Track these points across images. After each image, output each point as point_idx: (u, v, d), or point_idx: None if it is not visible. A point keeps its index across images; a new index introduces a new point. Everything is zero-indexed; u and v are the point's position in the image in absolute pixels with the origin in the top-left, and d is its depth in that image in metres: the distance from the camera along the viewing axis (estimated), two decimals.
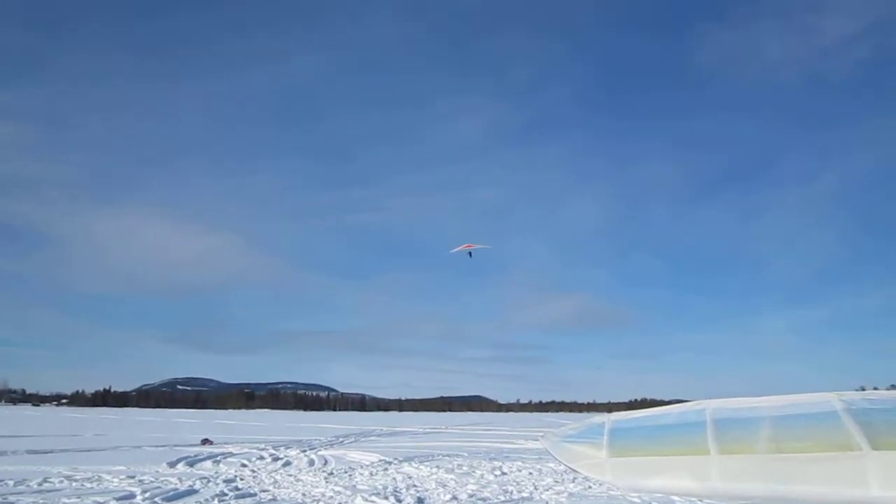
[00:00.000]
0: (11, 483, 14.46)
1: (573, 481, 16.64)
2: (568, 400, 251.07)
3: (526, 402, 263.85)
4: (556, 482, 16.41)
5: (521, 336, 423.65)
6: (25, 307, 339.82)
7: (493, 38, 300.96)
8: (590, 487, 15.43)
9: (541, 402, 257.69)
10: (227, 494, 13.46)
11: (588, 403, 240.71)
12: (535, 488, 15.20)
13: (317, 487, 14.84)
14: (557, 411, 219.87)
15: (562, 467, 20.03)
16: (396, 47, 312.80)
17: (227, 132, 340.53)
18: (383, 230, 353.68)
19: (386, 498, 13.21)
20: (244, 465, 19.72)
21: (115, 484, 14.77)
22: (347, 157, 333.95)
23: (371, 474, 17.88)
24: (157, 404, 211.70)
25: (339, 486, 15.21)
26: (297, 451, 25.83)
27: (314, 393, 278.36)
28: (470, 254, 35.55)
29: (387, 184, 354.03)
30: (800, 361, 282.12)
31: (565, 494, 14.25)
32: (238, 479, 16.29)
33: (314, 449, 27.11)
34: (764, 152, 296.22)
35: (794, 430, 6.11)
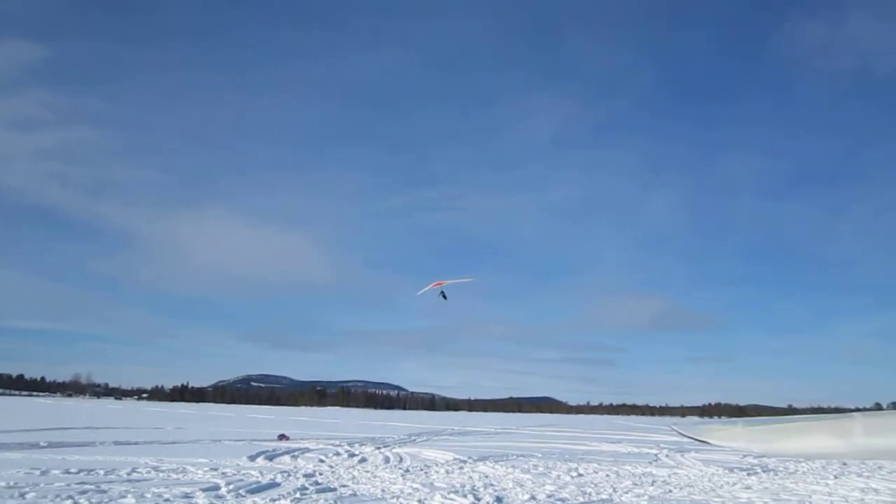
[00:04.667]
0: (102, 472, 14.98)
1: (652, 484, 16.34)
2: (640, 403, 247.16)
3: (596, 404, 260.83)
4: (636, 485, 16.13)
5: (592, 338, 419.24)
6: (110, 305, 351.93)
7: (566, 36, 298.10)
8: (670, 491, 15.13)
9: (611, 405, 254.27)
10: (308, 488, 13.66)
11: (661, 407, 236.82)
12: (615, 490, 14.95)
13: (395, 484, 14.92)
14: (629, 414, 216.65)
15: (639, 470, 19.76)
16: (471, 46, 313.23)
17: (302, 133, 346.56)
18: (456, 230, 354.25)
19: (465, 496, 13.18)
20: (321, 461, 19.98)
21: (199, 475, 15.15)
22: (421, 157, 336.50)
23: (447, 472, 17.90)
24: (232, 400, 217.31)
25: (417, 482, 15.27)
26: (372, 447, 26.06)
27: (384, 391, 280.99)
28: (443, 294, 29.48)
29: (460, 183, 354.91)
30: (888, 367, 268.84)
31: (646, 497, 13.98)
32: (317, 473, 16.51)
33: (388, 446, 27.30)
34: (852, 145, 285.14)
35: None
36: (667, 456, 26.18)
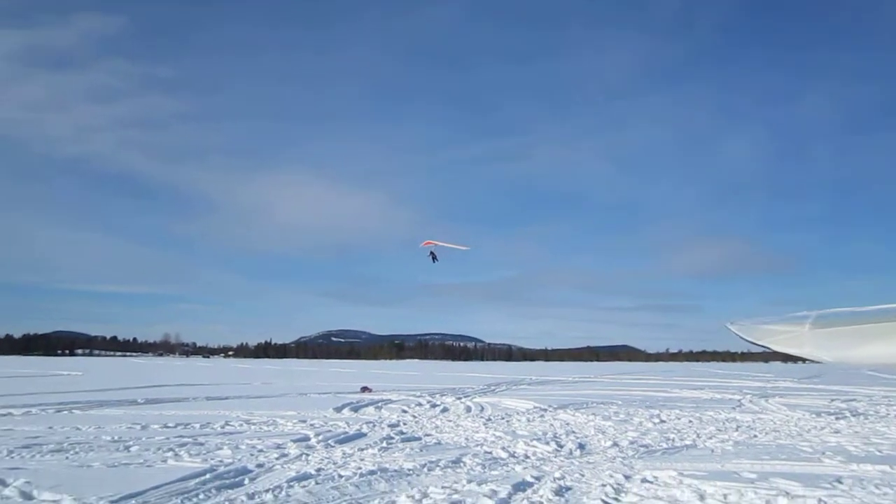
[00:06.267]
0: (198, 426, 15.67)
1: (737, 430, 16.18)
2: (720, 349, 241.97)
3: (675, 351, 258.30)
4: (720, 430, 16.00)
5: (669, 284, 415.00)
6: (195, 267, 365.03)
7: None
8: (755, 437, 14.96)
9: (691, 352, 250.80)
10: (393, 438, 14.02)
11: (742, 353, 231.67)
12: (698, 436, 14.88)
13: (477, 432, 15.18)
14: (709, 361, 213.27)
15: (722, 416, 19.55)
16: None
17: (373, 88, 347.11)
18: (530, 179, 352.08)
19: (547, 443, 13.33)
20: (404, 411, 20.42)
21: (289, 427, 15.70)
22: (493, 107, 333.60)
23: (528, 420, 18.10)
24: (314, 355, 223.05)
25: (499, 431, 15.50)
26: (453, 398, 26.48)
27: (461, 343, 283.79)
28: (433, 256, 26.09)
29: (533, 133, 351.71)
30: None
31: (731, 443, 13.87)
32: (401, 423, 16.91)
33: (468, 396, 27.69)
34: None
35: None
36: (750, 401, 25.84)
